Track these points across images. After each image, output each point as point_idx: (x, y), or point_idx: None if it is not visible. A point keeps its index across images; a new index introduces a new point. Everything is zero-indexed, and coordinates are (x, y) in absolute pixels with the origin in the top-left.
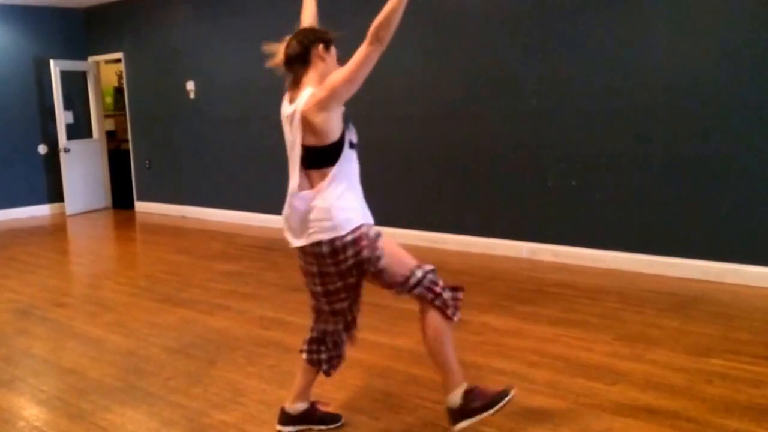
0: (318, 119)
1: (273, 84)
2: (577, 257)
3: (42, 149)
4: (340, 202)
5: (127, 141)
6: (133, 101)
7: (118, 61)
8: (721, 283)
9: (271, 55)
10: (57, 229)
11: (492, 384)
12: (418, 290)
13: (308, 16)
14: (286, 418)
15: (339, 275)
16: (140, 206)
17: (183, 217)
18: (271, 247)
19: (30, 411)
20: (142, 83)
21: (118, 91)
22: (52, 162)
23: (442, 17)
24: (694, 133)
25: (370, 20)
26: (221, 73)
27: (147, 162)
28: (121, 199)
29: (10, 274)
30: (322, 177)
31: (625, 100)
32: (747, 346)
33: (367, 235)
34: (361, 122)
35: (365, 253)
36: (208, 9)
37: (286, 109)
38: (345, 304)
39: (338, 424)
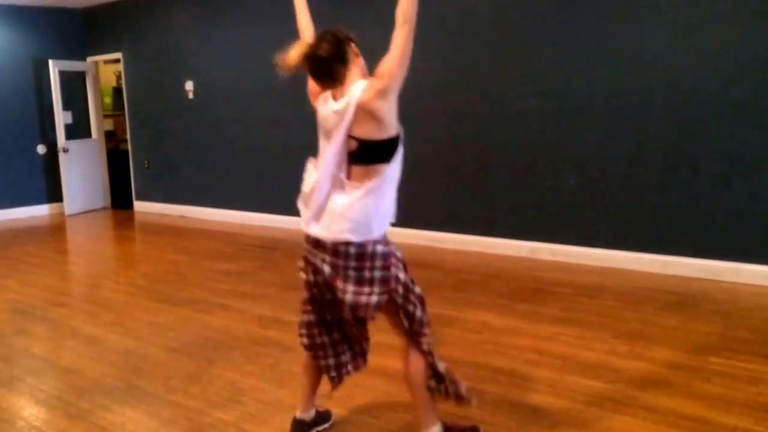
0: (381, 107)
1: (271, 84)
2: (577, 256)
3: (41, 149)
4: (381, 208)
5: (125, 141)
6: (131, 101)
7: (116, 61)
8: (720, 282)
9: (284, 62)
10: (56, 229)
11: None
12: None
13: (306, 25)
14: (301, 427)
15: (357, 282)
16: (139, 206)
17: (182, 216)
18: (270, 246)
19: (29, 411)
20: (140, 83)
21: (117, 91)
22: (51, 162)
23: (440, 16)
24: (692, 132)
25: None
26: (220, 73)
27: (146, 162)
28: (120, 198)
29: (10, 274)
30: (369, 174)
31: (624, 99)
32: (745, 344)
33: (395, 254)
34: None
35: (393, 270)
36: (207, 9)
37: (332, 105)
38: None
39: (330, 423)
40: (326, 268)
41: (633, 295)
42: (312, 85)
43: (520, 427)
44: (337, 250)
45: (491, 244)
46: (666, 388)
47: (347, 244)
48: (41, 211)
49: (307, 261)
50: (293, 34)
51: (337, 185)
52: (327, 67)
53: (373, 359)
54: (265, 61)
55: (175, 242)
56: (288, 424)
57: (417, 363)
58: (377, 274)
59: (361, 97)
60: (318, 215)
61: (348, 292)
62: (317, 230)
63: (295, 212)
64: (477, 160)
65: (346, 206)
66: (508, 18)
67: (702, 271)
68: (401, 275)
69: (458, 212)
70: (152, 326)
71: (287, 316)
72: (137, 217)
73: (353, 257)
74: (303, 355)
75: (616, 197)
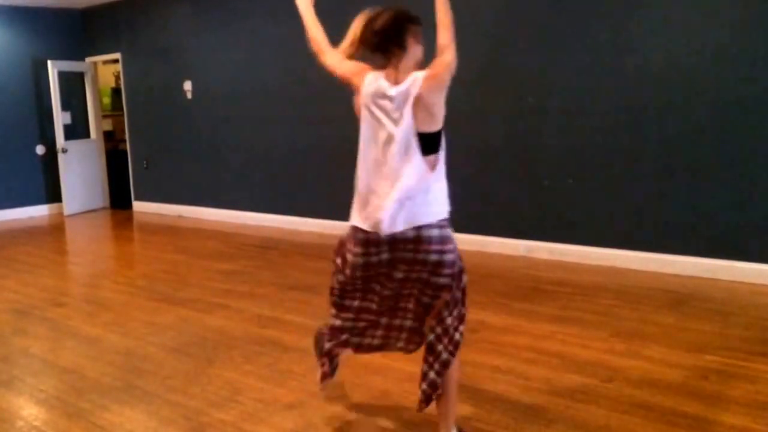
0: (439, 101)
1: (269, 84)
2: (574, 255)
3: (40, 150)
4: (445, 191)
5: (124, 141)
6: (130, 101)
7: (115, 61)
8: (716, 280)
9: (351, 38)
10: (55, 230)
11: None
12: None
13: (318, 34)
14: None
15: (434, 266)
16: (138, 206)
17: (180, 216)
18: (268, 246)
19: (29, 411)
20: (139, 84)
21: (116, 91)
22: (50, 162)
23: None
24: (688, 131)
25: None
26: (218, 74)
27: (144, 162)
28: (119, 199)
29: (9, 275)
30: (429, 164)
31: (621, 98)
32: (742, 343)
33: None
34: (355, 121)
35: (457, 252)
36: (206, 9)
37: (386, 89)
38: (407, 313)
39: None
40: (407, 255)
41: (630, 294)
42: (348, 67)
43: (518, 425)
44: (420, 236)
45: (488, 243)
46: (663, 387)
47: (429, 226)
48: (40, 211)
49: (370, 263)
50: (291, 34)
51: (408, 175)
52: (383, 44)
53: (371, 357)
54: (263, 61)
55: (174, 242)
56: (286, 423)
57: (454, 365)
58: (449, 257)
59: (421, 88)
60: (393, 210)
61: (422, 275)
62: (397, 225)
63: (293, 212)
64: (474, 158)
65: (423, 191)
66: (505, 16)
67: (699, 269)
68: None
69: (455, 211)
70: (151, 326)
71: (285, 315)
72: (136, 217)
73: (437, 240)
74: (301, 355)
75: (613, 196)
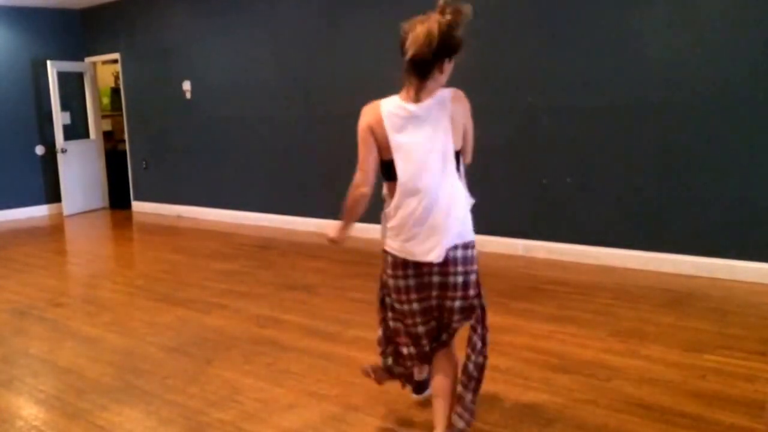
0: (460, 120)
1: (268, 84)
2: (572, 254)
3: (39, 150)
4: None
5: (124, 141)
6: (129, 102)
7: (114, 61)
8: (715, 279)
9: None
10: (55, 230)
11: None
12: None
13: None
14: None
15: (476, 285)
16: (137, 206)
17: (179, 216)
18: (266, 246)
19: (28, 411)
20: (138, 84)
21: (115, 91)
22: (50, 163)
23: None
24: (687, 130)
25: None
26: (217, 73)
27: (144, 162)
28: (119, 199)
29: (8, 275)
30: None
31: (620, 96)
32: (741, 342)
33: None
34: (354, 121)
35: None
36: (204, 9)
37: (409, 107)
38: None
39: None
40: (459, 279)
41: (628, 293)
42: (361, 133)
43: (517, 425)
44: (465, 255)
45: (487, 242)
46: (662, 386)
47: (468, 245)
48: (40, 211)
49: (418, 288)
50: (290, 34)
51: (456, 191)
52: (433, 57)
53: (370, 357)
54: (262, 61)
55: (173, 242)
56: (286, 423)
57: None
58: (475, 276)
59: (455, 112)
60: (438, 231)
61: (468, 296)
62: (445, 245)
63: (292, 212)
64: (472, 157)
65: (465, 208)
66: (501, 14)
67: (697, 268)
68: None
69: None
70: (150, 326)
71: (284, 315)
72: (135, 217)
73: (472, 260)
74: (300, 355)
75: (612, 195)
